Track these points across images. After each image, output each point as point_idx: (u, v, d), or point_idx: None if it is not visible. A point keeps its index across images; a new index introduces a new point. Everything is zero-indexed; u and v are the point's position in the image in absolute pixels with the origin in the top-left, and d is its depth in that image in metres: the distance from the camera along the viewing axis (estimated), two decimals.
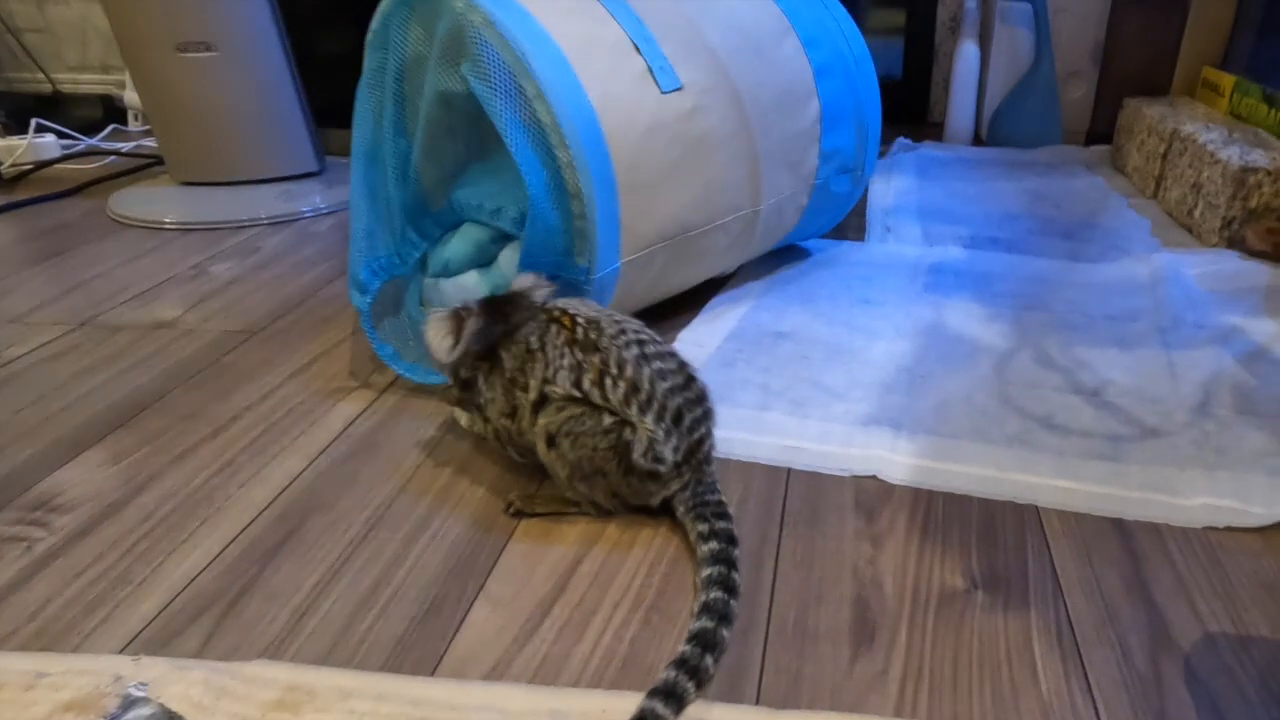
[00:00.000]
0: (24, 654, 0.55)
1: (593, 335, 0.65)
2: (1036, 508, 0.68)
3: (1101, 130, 1.70)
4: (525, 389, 0.67)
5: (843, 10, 1.05)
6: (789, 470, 0.73)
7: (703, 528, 0.63)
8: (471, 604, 0.59)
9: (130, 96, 1.81)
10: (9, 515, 0.69)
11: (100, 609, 0.59)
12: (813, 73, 1.00)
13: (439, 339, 0.68)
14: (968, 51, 1.73)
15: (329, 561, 0.63)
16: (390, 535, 0.66)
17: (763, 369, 0.89)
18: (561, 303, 0.69)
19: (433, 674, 0.54)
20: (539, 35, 0.79)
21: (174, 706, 0.50)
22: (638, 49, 0.86)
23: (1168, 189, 1.33)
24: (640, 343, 0.66)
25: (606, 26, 0.86)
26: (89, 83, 1.98)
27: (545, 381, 0.65)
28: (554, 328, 0.67)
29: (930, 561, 0.63)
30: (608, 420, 0.64)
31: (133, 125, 1.84)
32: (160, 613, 0.59)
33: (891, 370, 0.89)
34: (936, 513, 0.68)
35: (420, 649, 0.56)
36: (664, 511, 0.67)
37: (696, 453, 0.66)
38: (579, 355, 0.65)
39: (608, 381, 0.64)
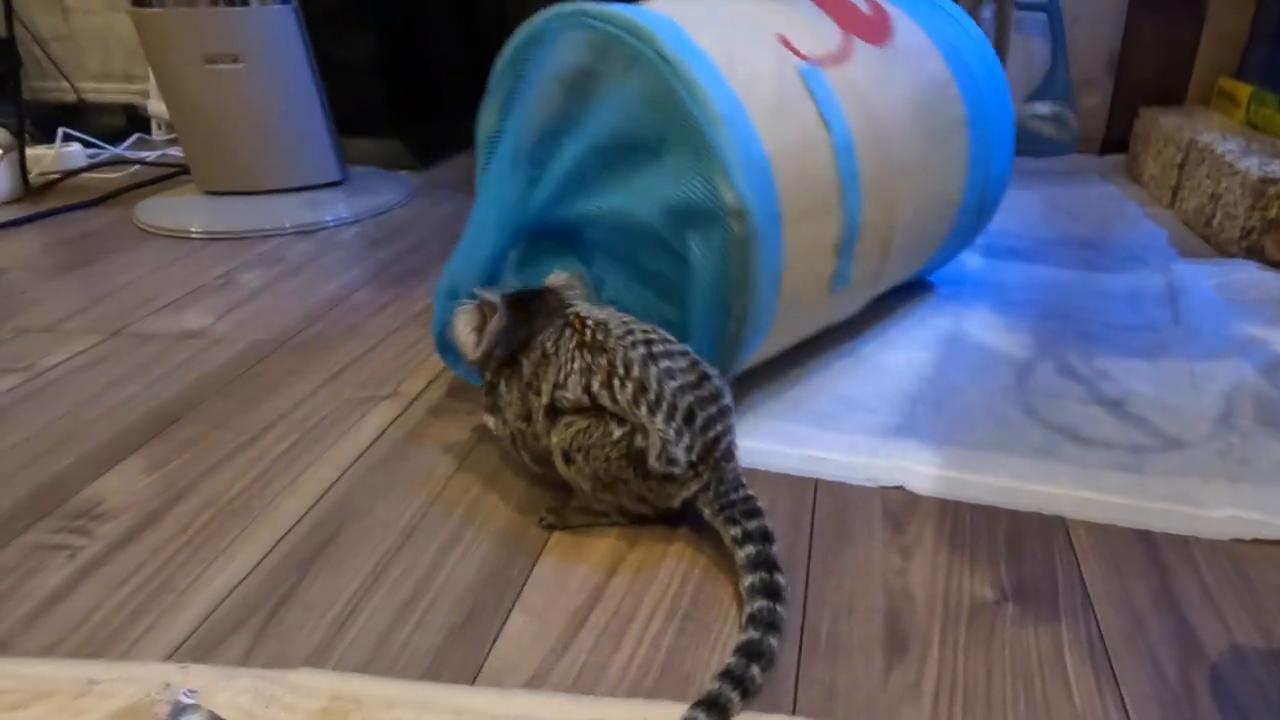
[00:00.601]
0: (73, 661, 0.56)
1: (600, 336, 0.65)
2: (1063, 519, 0.69)
3: (1116, 139, 1.70)
4: (539, 393, 0.67)
5: (994, 57, 1.00)
6: (816, 481, 0.74)
7: (735, 531, 0.63)
8: (508, 614, 0.60)
9: (154, 106, 1.83)
10: (51, 524, 0.70)
11: (145, 617, 0.60)
12: (969, 152, 0.96)
13: (465, 333, 0.69)
14: None
15: (366, 571, 0.64)
16: (425, 545, 0.67)
17: (789, 381, 0.89)
18: (580, 305, 0.70)
19: (473, 683, 0.54)
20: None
21: (223, 714, 0.50)
22: (839, 252, 0.82)
23: (1184, 199, 1.34)
24: (648, 342, 0.65)
25: (829, 225, 0.80)
26: (112, 92, 2.00)
27: (556, 386, 0.66)
28: (568, 331, 0.67)
29: (959, 573, 0.63)
30: (616, 431, 0.64)
31: (156, 134, 1.85)
32: (203, 621, 0.60)
33: (913, 380, 0.89)
34: (964, 524, 0.68)
35: (459, 658, 0.56)
36: (693, 518, 0.67)
37: (713, 450, 0.65)
38: (588, 358, 0.65)
39: (615, 383, 0.64)
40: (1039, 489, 0.72)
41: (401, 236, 1.34)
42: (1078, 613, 0.59)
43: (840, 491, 0.73)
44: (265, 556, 0.66)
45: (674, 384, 0.64)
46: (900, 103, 0.87)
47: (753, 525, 0.62)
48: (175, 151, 1.74)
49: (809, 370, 0.91)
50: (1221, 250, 1.20)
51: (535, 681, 0.54)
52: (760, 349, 0.82)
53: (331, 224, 1.41)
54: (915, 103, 0.88)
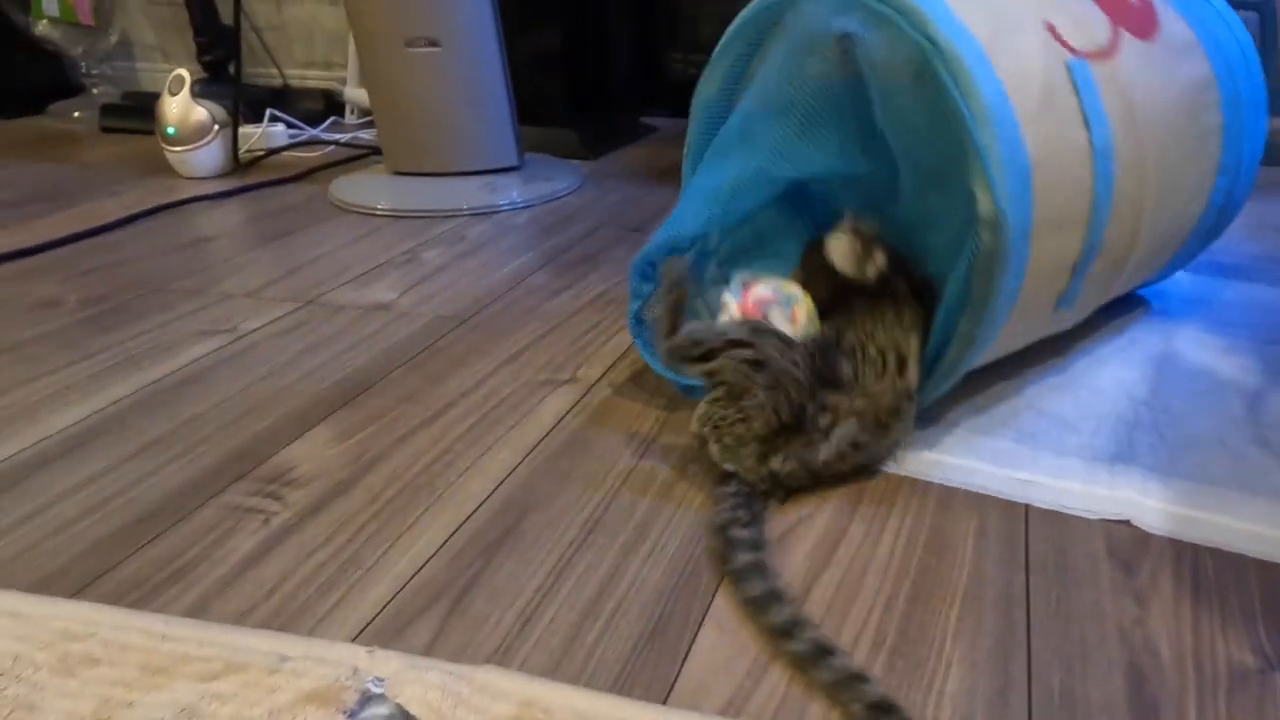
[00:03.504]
0: (265, 633, 0.52)
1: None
2: None
3: None
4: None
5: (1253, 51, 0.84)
6: (1027, 507, 0.64)
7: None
8: (699, 626, 0.53)
9: (350, 92, 1.85)
10: (248, 486, 0.68)
11: (333, 592, 0.56)
12: (1219, 161, 0.82)
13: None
14: None
15: (549, 564, 0.59)
16: (609, 542, 0.61)
17: (978, 390, 0.79)
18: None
19: (664, 702, 0.48)
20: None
21: (411, 709, 0.46)
22: (1074, 272, 0.71)
23: None
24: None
25: (1072, 242, 0.69)
26: (314, 78, 2.04)
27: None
28: None
29: (1210, 630, 0.52)
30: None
31: (349, 119, 1.88)
32: (390, 600, 0.56)
33: (1124, 402, 0.77)
34: (1205, 571, 0.57)
35: (650, 672, 0.50)
36: (892, 539, 0.59)
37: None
38: None
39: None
40: None
41: (573, 223, 1.30)
42: None
43: (1056, 521, 0.62)
44: (450, 538, 0.61)
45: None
46: (1161, 108, 0.74)
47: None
48: (365, 135, 1.75)
49: (1010, 384, 0.80)
50: None
51: (733, 708, 0.47)
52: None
53: (506, 208, 1.38)
54: (1176, 108, 0.75)
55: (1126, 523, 0.62)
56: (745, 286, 0.73)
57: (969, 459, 0.69)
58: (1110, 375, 0.82)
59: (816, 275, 0.73)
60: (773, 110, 0.72)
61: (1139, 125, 0.71)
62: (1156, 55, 0.75)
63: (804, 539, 0.60)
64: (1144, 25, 0.75)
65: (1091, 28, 0.72)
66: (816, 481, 0.64)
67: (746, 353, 0.62)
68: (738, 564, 0.56)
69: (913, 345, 0.67)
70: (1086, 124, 0.67)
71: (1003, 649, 0.51)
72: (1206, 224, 0.86)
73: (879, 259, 0.70)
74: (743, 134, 0.74)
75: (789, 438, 0.63)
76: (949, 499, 0.65)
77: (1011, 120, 0.61)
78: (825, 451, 0.63)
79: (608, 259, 1.14)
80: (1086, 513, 0.63)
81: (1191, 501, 0.64)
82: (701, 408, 0.65)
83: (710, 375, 0.64)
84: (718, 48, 0.76)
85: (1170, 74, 0.75)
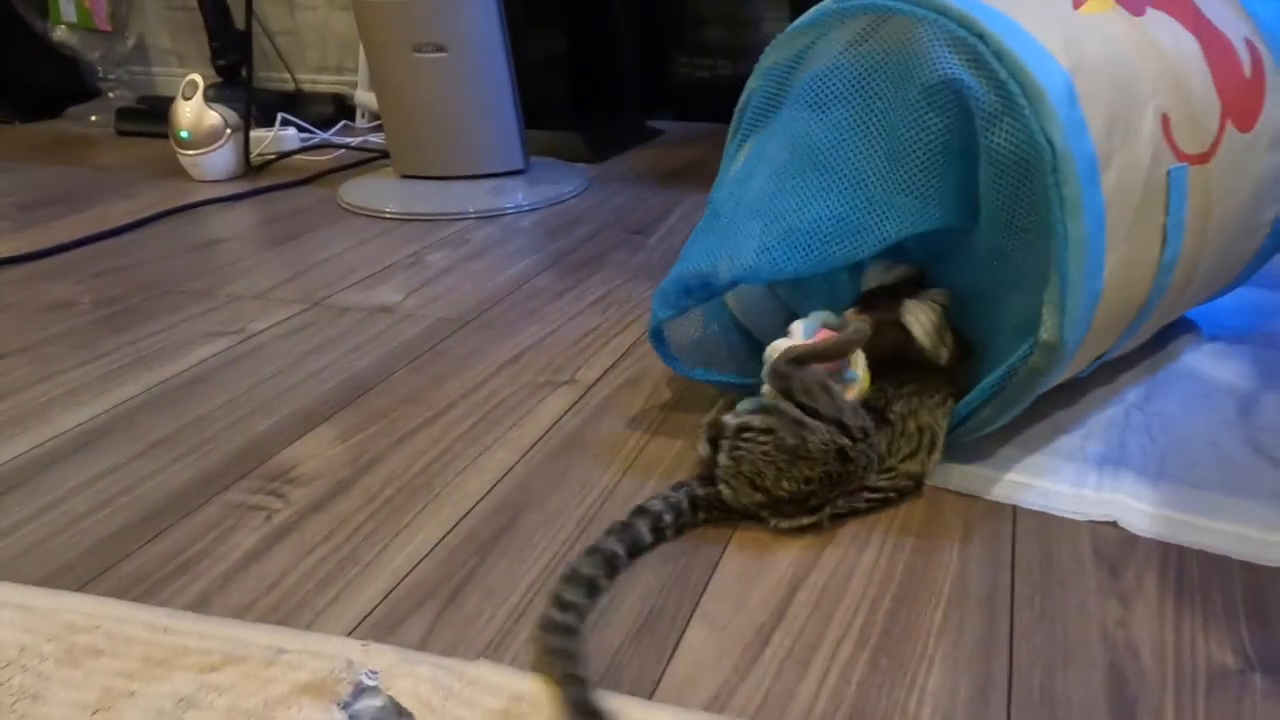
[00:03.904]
0: (264, 626, 0.53)
1: None
2: None
3: None
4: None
5: None
6: (1014, 508, 0.64)
7: None
8: (687, 623, 0.54)
9: (360, 96, 1.87)
10: (251, 483, 0.69)
11: (331, 587, 0.57)
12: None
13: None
14: None
15: (543, 562, 0.60)
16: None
17: None
18: None
19: (651, 697, 0.49)
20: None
21: (402, 701, 0.47)
22: (1167, 208, 0.65)
23: None
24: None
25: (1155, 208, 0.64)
26: (325, 83, 2.06)
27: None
28: None
29: (1192, 631, 0.53)
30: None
31: (360, 122, 1.90)
32: (385, 597, 0.57)
33: (1118, 405, 0.78)
34: (1191, 573, 0.58)
35: (637, 667, 0.51)
36: (879, 542, 0.59)
37: None
38: None
39: None
40: None
41: (577, 226, 1.30)
42: None
43: (1043, 522, 0.63)
44: (445, 536, 0.62)
45: None
46: (1236, 207, 0.71)
47: None
48: (375, 138, 1.77)
49: None
50: None
51: (717, 704, 0.48)
52: None
53: (512, 211, 1.39)
54: (1248, 203, 0.73)
55: (1114, 524, 0.62)
56: (824, 326, 0.69)
57: (957, 461, 0.69)
58: (1105, 379, 0.82)
59: (879, 329, 0.68)
60: (881, 153, 0.63)
61: (1209, 230, 0.69)
62: (1248, 150, 0.71)
63: (792, 541, 0.61)
64: (1248, 110, 0.70)
65: (1202, 122, 0.67)
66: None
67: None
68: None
69: (944, 426, 0.66)
70: (1165, 239, 0.65)
71: (985, 649, 0.52)
72: (1250, 269, 0.85)
73: (949, 341, 0.69)
74: (814, 163, 0.64)
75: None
76: (938, 501, 0.65)
77: (1101, 251, 0.60)
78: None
79: (611, 261, 1.15)
80: (1074, 514, 0.63)
81: (1180, 504, 0.64)
82: (731, 422, 0.63)
83: (787, 394, 0.62)
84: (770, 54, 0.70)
85: (1254, 171, 0.72)
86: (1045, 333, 0.61)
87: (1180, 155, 0.65)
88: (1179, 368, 0.84)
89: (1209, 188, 0.68)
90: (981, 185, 0.62)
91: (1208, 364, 0.85)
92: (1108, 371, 0.82)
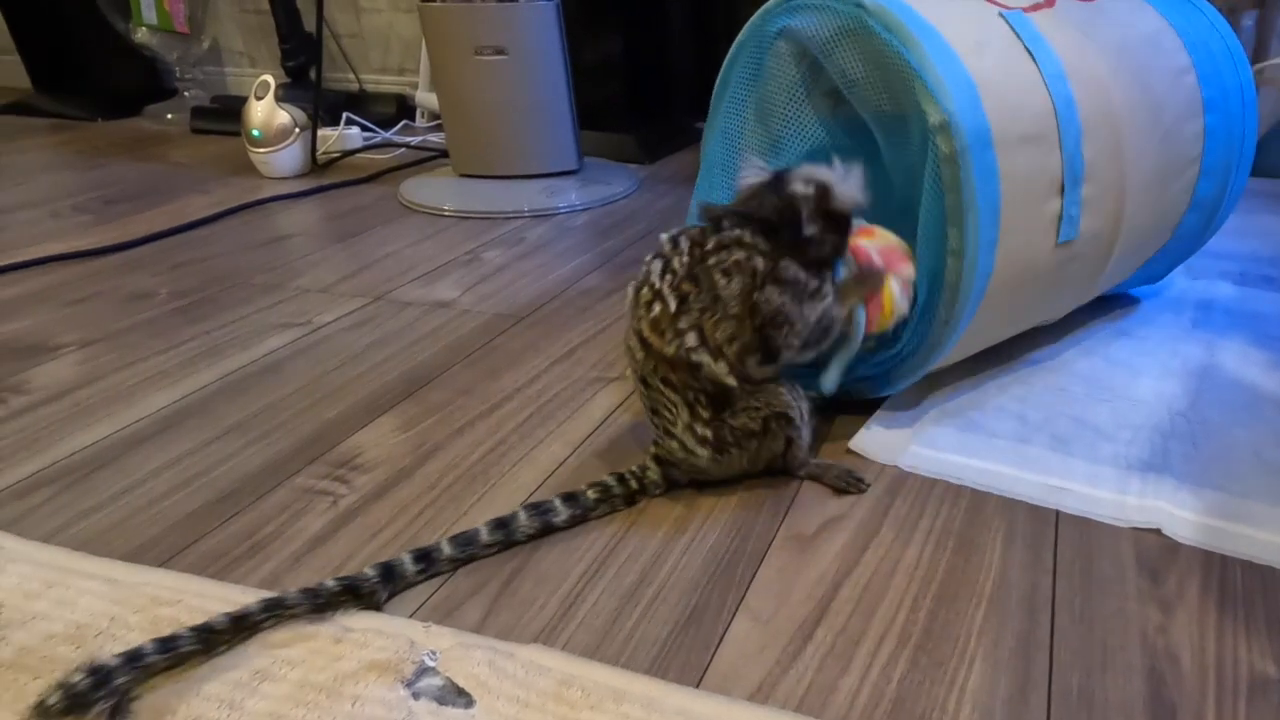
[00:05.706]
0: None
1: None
2: None
3: None
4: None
5: (1231, 33, 0.85)
6: (1057, 512, 0.64)
7: None
8: (733, 616, 0.55)
9: (421, 96, 1.90)
10: (319, 469, 0.71)
11: None
12: (1204, 136, 0.82)
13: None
14: None
15: (594, 552, 0.61)
16: (651, 533, 0.63)
17: (1018, 398, 0.79)
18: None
19: (697, 686, 0.49)
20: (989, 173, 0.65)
21: (459, 682, 0.48)
22: (1063, 190, 0.70)
23: None
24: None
25: (1050, 157, 0.69)
26: (388, 83, 2.10)
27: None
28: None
29: (1233, 640, 0.52)
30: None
31: (420, 122, 1.93)
32: (445, 582, 0.58)
33: (1163, 413, 0.76)
34: (1233, 583, 0.57)
35: (684, 657, 0.52)
36: (923, 539, 0.59)
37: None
38: None
39: None
40: None
41: (628, 226, 1.31)
42: None
43: (1085, 527, 0.62)
44: None
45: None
46: (1117, 42, 0.76)
47: None
48: (434, 138, 1.79)
49: (1049, 393, 0.80)
50: None
51: (760, 695, 0.49)
52: (990, 309, 0.71)
53: (564, 210, 1.40)
54: (1128, 50, 0.77)
55: (1156, 531, 0.61)
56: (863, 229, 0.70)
57: (1002, 464, 0.69)
58: (1149, 386, 0.81)
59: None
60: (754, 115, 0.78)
61: (1092, 61, 0.73)
62: (1103, 8, 0.78)
63: (835, 538, 0.61)
64: None
65: None
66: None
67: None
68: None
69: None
70: (1031, 56, 0.69)
71: (1025, 649, 0.51)
72: (1201, 203, 0.85)
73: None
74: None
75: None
76: (980, 503, 0.65)
77: (945, 47, 0.64)
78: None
79: None
80: (1116, 520, 0.63)
81: (1223, 512, 0.63)
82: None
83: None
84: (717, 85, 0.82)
85: (1117, 23, 0.78)
86: (931, 119, 0.63)
87: (1007, 7, 0.72)
88: (1224, 376, 0.82)
89: (1068, 23, 0.74)
90: (837, 79, 0.71)
91: (1255, 373, 0.83)
92: (1150, 376, 0.81)
